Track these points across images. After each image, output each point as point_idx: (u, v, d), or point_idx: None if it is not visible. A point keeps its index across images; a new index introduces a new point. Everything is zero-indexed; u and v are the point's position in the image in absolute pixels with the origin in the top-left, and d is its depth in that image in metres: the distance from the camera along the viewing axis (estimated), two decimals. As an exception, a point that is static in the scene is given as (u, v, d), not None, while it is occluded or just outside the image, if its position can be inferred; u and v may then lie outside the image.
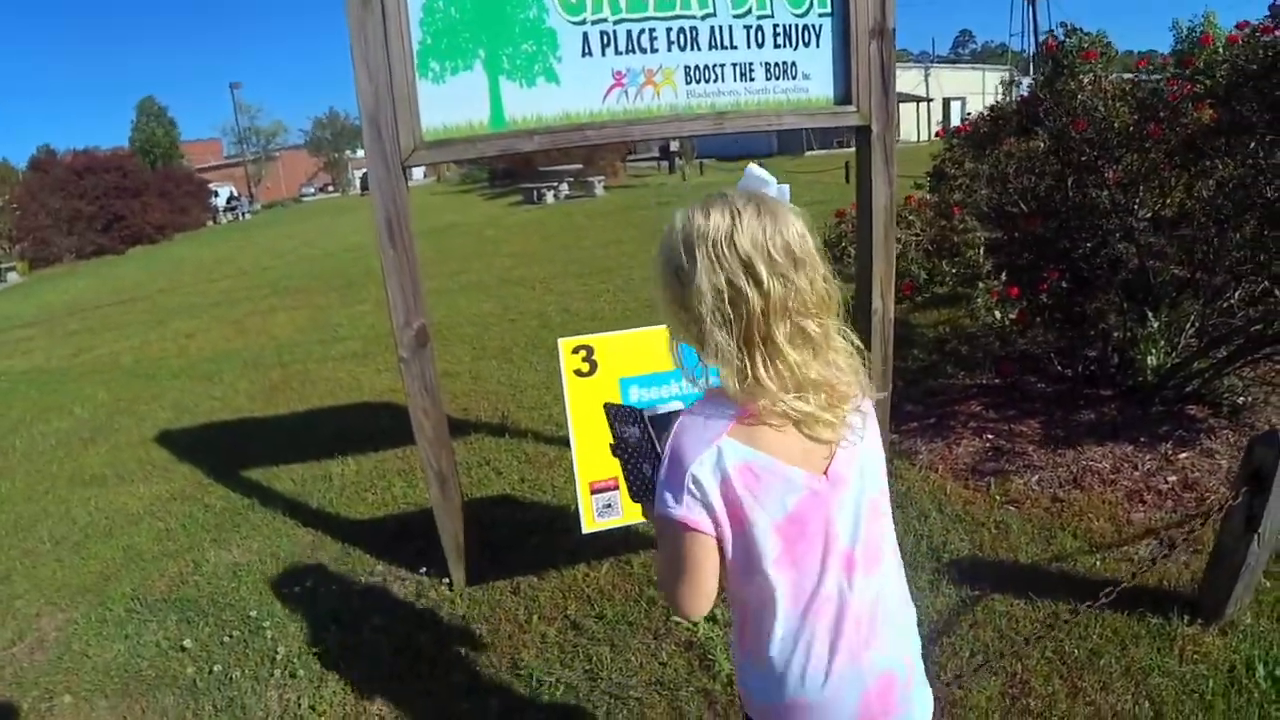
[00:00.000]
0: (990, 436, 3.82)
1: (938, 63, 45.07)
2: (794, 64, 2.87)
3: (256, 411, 6.18)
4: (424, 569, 3.38)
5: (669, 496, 1.09)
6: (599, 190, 19.73)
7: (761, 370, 1.05)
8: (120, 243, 27.89)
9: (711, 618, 2.70)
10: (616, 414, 1.42)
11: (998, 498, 3.34)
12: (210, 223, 37.09)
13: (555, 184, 20.54)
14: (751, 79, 2.84)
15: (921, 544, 3.08)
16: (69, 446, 5.91)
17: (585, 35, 2.66)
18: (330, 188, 56.53)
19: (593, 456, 2.62)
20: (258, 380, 7.09)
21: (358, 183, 51.81)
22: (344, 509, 4.17)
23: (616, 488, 2.61)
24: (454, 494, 3.14)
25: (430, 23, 2.54)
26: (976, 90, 36.52)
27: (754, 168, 1.19)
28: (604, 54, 2.68)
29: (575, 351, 2.63)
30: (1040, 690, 2.29)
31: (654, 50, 2.71)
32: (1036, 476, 3.45)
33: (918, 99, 35.37)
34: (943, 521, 3.22)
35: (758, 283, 1.02)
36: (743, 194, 1.09)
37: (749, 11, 2.80)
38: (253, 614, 3.24)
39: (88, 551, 4.06)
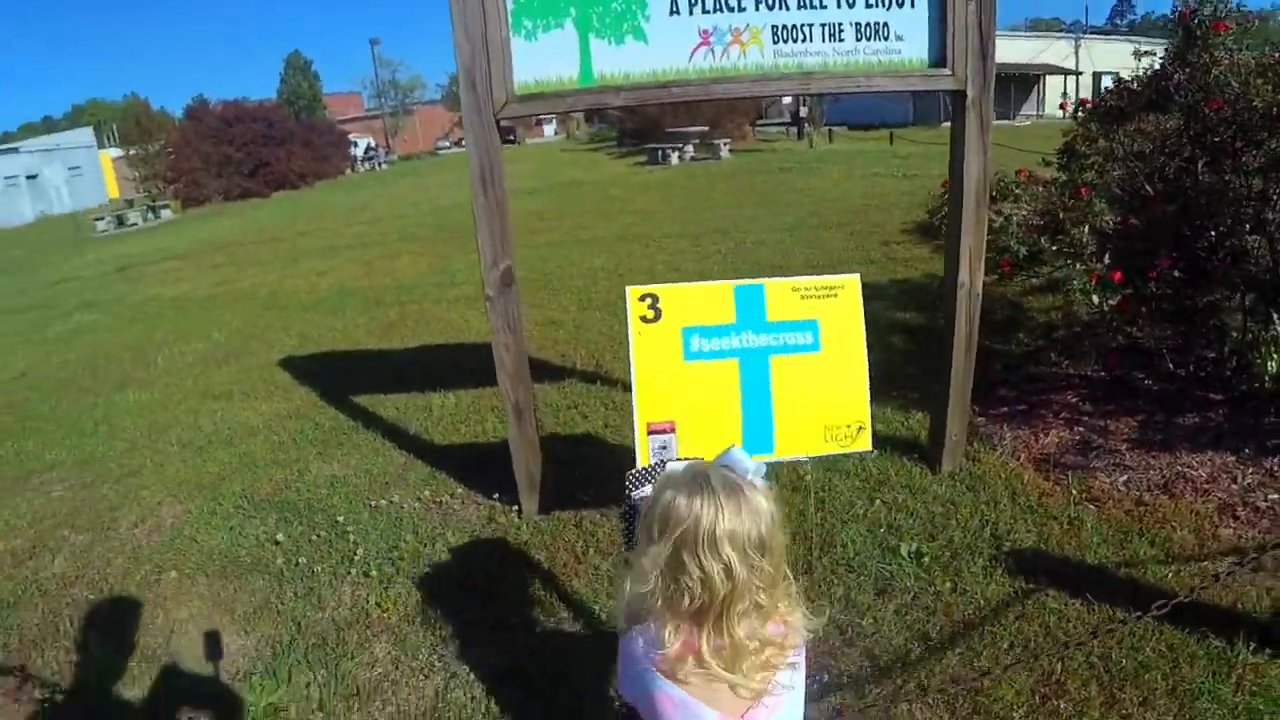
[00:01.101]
0: (1082, 430, 3.69)
1: (1091, 33, 41.28)
2: (886, 24, 2.86)
3: (372, 345, 6.79)
4: (498, 496, 3.71)
5: (623, 686, 1.38)
6: (724, 153, 19.63)
7: (704, 645, 1.23)
8: (265, 187, 30.39)
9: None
10: (635, 478, 1.63)
11: (1077, 493, 3.25)
12: (349, 171, 39.64)
13: (680, 145, 20.61)
14: (840, 39, 2.85)
15: (985, 530, 3.07)
16: (204, 365, 6.73)
17: None
18: (463, 143, 58.79)
19: (652, 399, 2.79)
20: (377, 317, 7.74)
21: (493, 137, 53.45)
22: (438, 437, 4.58)
23: (673, 431, 2.78)
24: (530, 428, 3.42)
25: None
26: (1132, 65, 33.11)
27: (737, 453, 1.35)
28: (691, 13, 2.79)
29: (642, 299, 2.79)
30: (1074, 694, 2.26)
31: (742, 9, 2.79)
32: (1125, 477, 3.32)
33: (1065, 72, 32.61)
34: (1013, 510, 3.19)
35: (730, 575, 1.19)
36: (723, 481, 1.23)
37: None
38: (340, 519, 3.68)
39: (208, 456, 4.68)
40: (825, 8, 2.84)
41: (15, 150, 40.76)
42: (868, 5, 2.85)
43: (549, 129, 60.68)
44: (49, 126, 62.69)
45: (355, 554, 3.38)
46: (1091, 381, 4.12)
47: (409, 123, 61.51)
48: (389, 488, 3.99)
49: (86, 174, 41.83)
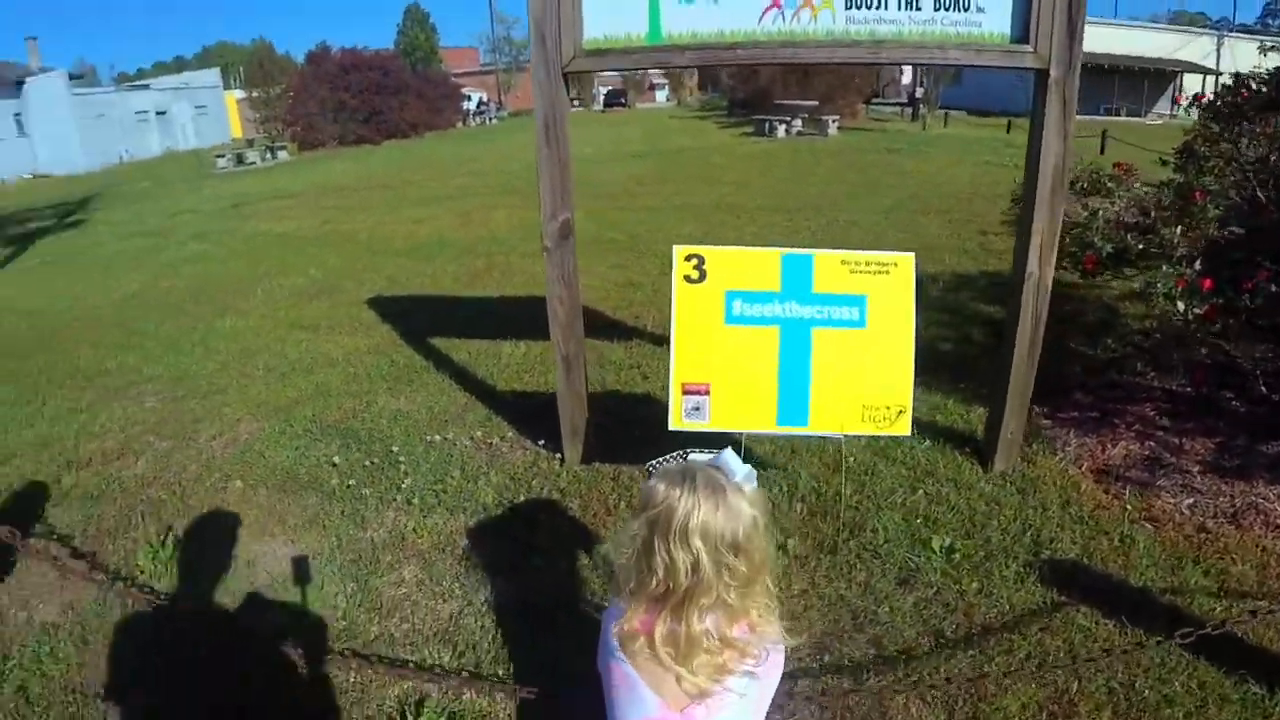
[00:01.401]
0: (1153, 445, 3.48)
1: (1237, 32, 37.48)
2: None
3: (457, 291, 7.07)
4: (543, 443, 3.84)
5: (598, 654, 1.40)
6: (832, 129, 19.16)
7: (658, 630, 1.27)
8: (377, 134, 31.62)
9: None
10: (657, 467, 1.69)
11: (1134, 510, 3.07)
12: (460, 124, 40.77)
13: (789, 119, 20.26)
14: (918, 8, 2.73)
15: (1026, 534, 2.94)
16: (298, 299, 7.16)
17: None
18: (576, 102, 59.39)
19: (690, 359, 2.84)
20: (466, 265, 8.02)
21: (601, 100, 54.01)
22: (501, 383, 4.76)
23: (708, 394, 2.81)
24: (577, 380, 3.51)
25: None
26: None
27: (728, 456, 1.34)
28: None
29: (688, 259, 2.83)
30: (1085, 717, 2.16)
31: None
32: (1190, 500, 3.11)
33: (1204, 70, 29.89)
34: (1060, 518, 3.04)
35: (696, 569, 1.22)
36: (707, 478, 1.26)
37: None
38: (395, 450, 3.89)
39: (289, 381, 5.01)
40: None
41: (146, 87, 43.87)
42: None
43: (660, 94, 60.44)
44: (180, 66, 66.86)
45: (403, 483, 3.58)
46: (1174, 396, 3.87)
47: (522, 79, 62.31)
48: (446, 425, 4.18)
49: (212, 113, 44.54)
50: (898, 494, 3.21)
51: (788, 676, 2.26)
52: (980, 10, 2.75)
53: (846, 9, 2.75)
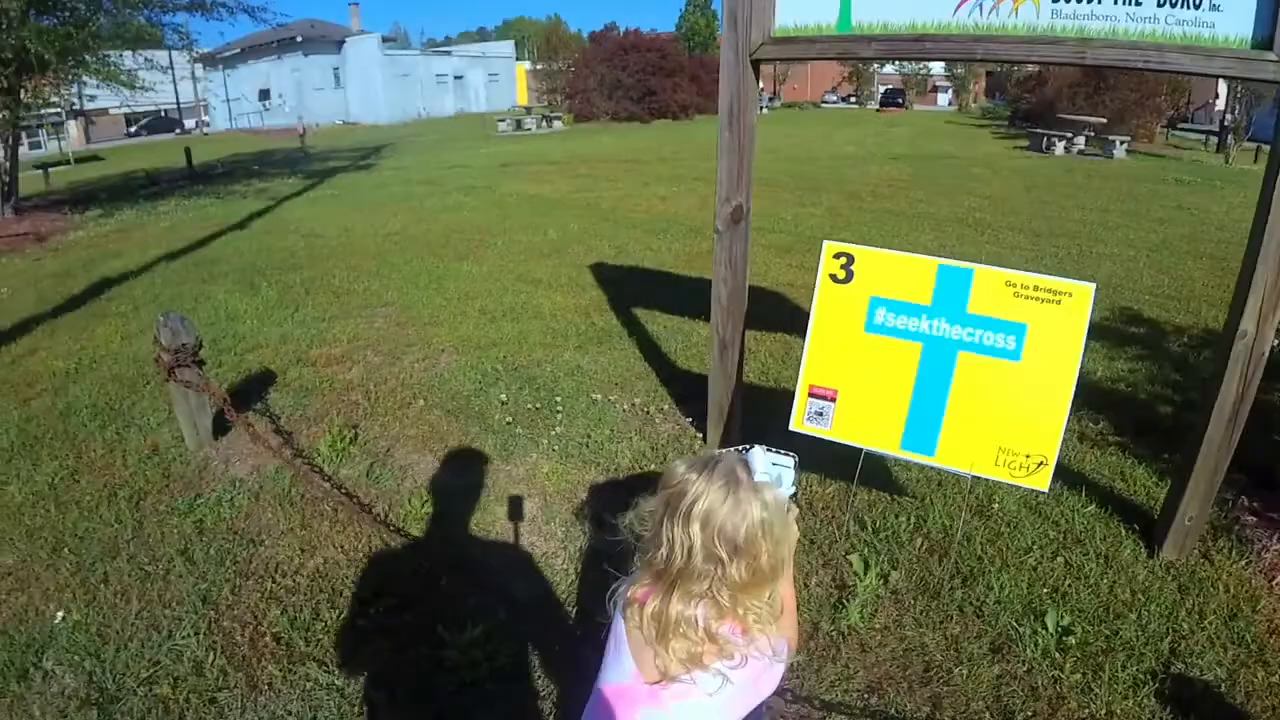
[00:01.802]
0: None
1: None
2: None
3: (675, 269, 7.31)
4: (691, 420, 3.94)
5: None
6: (1119, 152, 16.84)
7: (650, 604, 1.30)
8: (648, 114, 33.14)
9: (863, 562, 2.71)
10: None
11: None
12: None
13: (1070, 135, 18.16)
14: (1138, 3, 2.34)
15: (1165, 638, 2.46)
16: (530, 255, 7.83)
17: None
18: (852, 99, 57.95)
19: (822, 361, 2.72)
20: (690, 246, 8.24)
21: (878, 98, 52.20)
22: (680, 360, 4.89)
23: (834, 400, 2.70)
24: (731, 364, 3.53)
25: None
26: None
27: (758, 452, 1.38)
28: None
29: (836, 257, 2.70)
30: None
31: None
32: None
33: None
34: (1216, 631, 2.49)
35: (689, 553, 1.24)
36: (727, 470, 1.28)
37: None
38: (558, 400, 4.20)
39: (495, 325, 5.55)
40: None
41: (448, 53, 50.06)
42: None
43: (943, 98, 56.97)
44: (482, 36, 74.68)
45: (554, 429, 3.87)
46: None
47: (800, 71, 61.84)
48: (614, 388, 4.41)
49: (503, 81, 49.62)
50: (1033, 554, 2.84)
51: (818, 697, 2.20)
52: (1215, 8, 2.29)
53: (1053, 2, 2.43)
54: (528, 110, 33.14)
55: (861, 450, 2.68)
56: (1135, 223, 9.37)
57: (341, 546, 2.90)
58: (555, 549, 2.94)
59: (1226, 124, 20.95)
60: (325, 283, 6.72)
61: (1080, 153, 17.82)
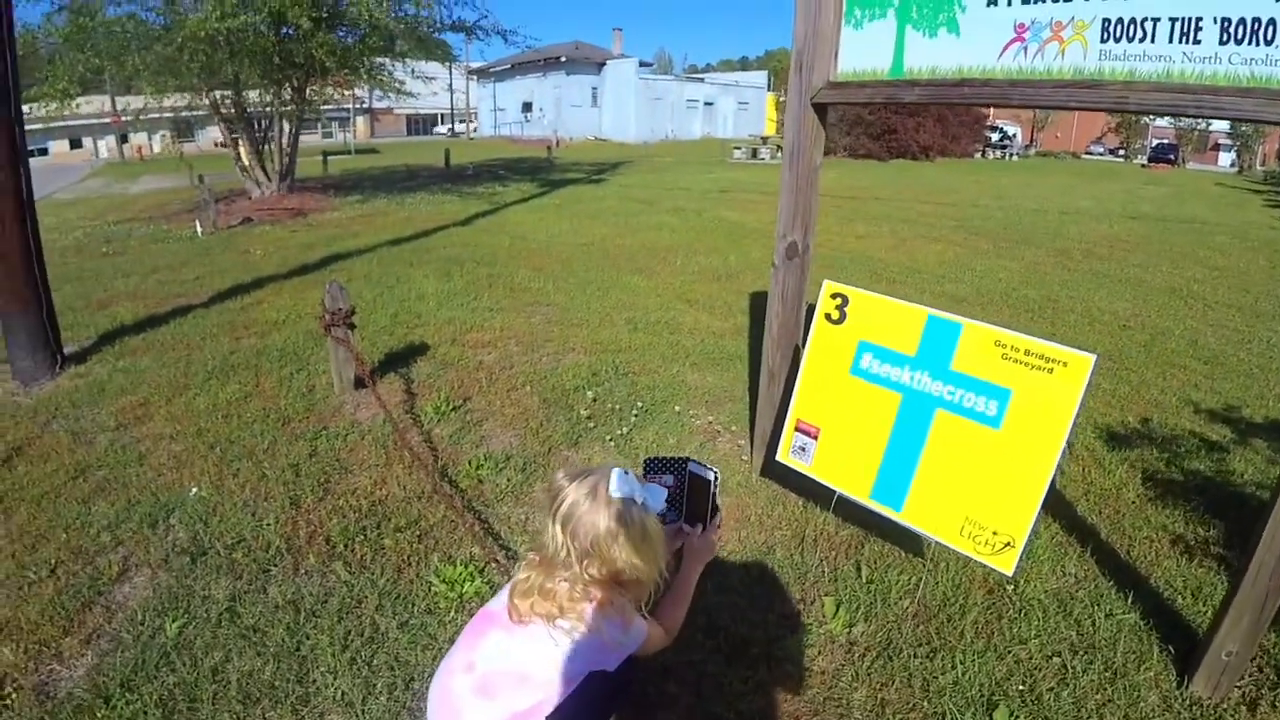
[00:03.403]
0: None
1: None
2: (1272, 22, 2.01)
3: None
4: (743, 444, 4.10)
5: None
6: None
7: (529, 570, 1.73)
8: (885, 152, 32.32)
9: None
10: (653, 465, 1.95)
11: None
12: (978, 155, 39.26)
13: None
14: (1197, 40, 2.12)
15: None
16: (701, 276, 8.15)
17: None
18: (1120, 152, 52.30)
19: (810, 398, 2.79)
20: (863, 285, 8.14)
21: (1149, 152, 46.65)
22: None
23: (816, 437, 2.78)
24: (777, 393, 3.67)
25: None
26: None
27: (618, 478, 1.64)
28: (1010, 4, 2.42)
29: (833, 297, 2.75)
30: None
31: (1068, 0, 2.32)
32: None
33: None
34: None
35: (556, 545, 1.63)
36: (593, 483, 1.64)
37: None
38: (640, 405, 4.53)
39: (633, 335, 5.95)
40: None
41: (701, 80, 51.88)
42: None
43: (1225, 156, 49.45)
44: (743, 65, 76.24)
45: (622, 430, 4.21)
46: None
47: (1066, 119, 56.92)
48: (702, 405, 4.64)
49: (752, 109, 50.65)
50: (1028, 647, 2.62)
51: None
52: None
53: (1102, 41, 2.28)
54: (764, 140, 33.67)
55: (835, 492, 2.75)
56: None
57: (404, 486, 3.48)
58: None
59: None
60: (508, 279, 7.59)
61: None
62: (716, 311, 6.76)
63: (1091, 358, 2.28)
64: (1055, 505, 2.90)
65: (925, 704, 2.38)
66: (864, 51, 2.90)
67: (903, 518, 2.57)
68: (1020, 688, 2.46)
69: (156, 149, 34.42)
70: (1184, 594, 2.98)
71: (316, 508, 3.30)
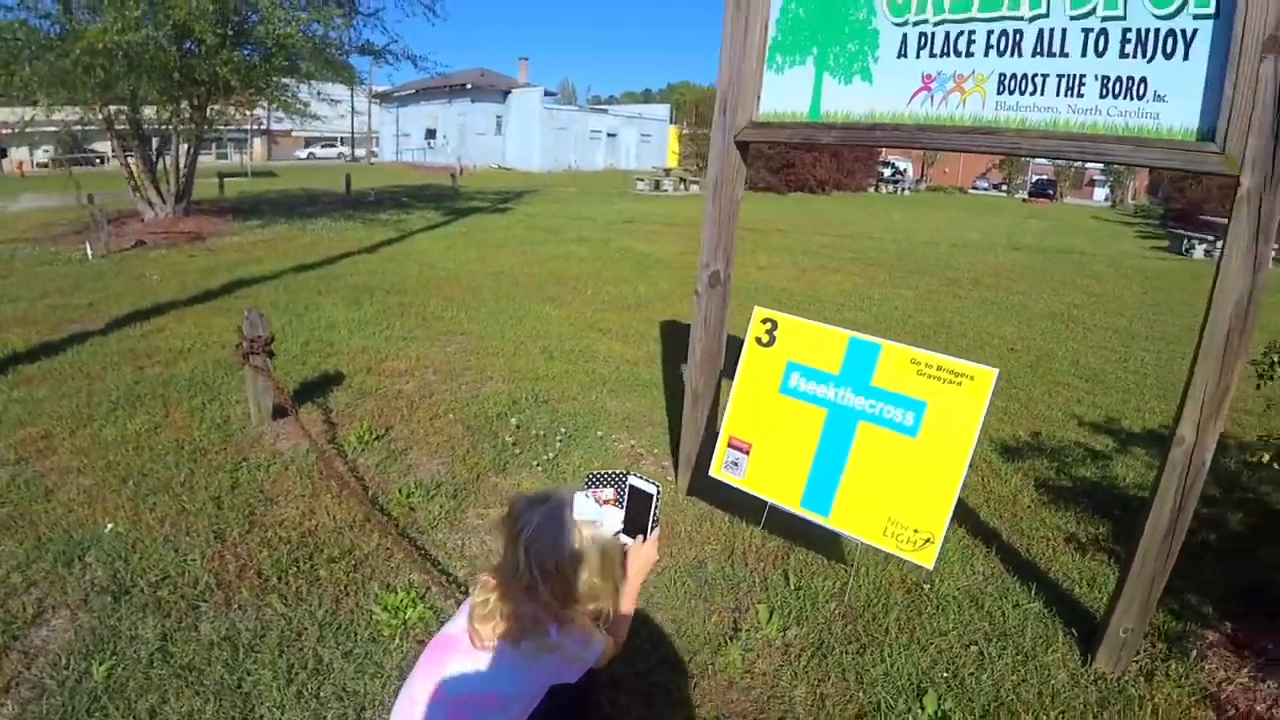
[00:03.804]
0: None
1: None
2: (1143, 80, 2.38)
3: (739, 332, 7.53)
4: (668, 464, 4.26)
5: None
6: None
7: (486, 593, 1.72)
8: (784, 185, 33.81)
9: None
10: (593, 480, 2.07)
11: None
12: (872, 189, 41.57)
13: (1213, 238, 17.17)
14: (1080, 94, 2.48)
15: None
16: (611, 306, 8.38)
17: (904, 36, 2.79)
18: (1003, 187, 56.53)
19: (742, 415, 3.00)
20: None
21: (1030, 187, 50.72)
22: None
23: (748, 452, 2.98)
24: (701, 415, 3.87)
25: (783, 21, 3.11)
26: None
27: (581, 501, 1.71)
28: (918, 56, 2.75)
29: (764, 322, 2.99)
30: None
31: (970, 54, 2.65)
32: None
33: None
34: None
35: (518, 569, 1.65)
36: (553, 508, 1.68)
37: (1092, 11, 2.42)
38: (564, 431, 4.64)
39: (549, 363, 6.09)
40: (1067, 55, 2.49)
41: (605, 111, 53.04)
42: (1122, 54, 2.40)
43: (1100, 192, 54.40)
44: (646, 98, 78.34)
45: (547, 456, 4.30)
46: None
47: (951, 156, 60.97)
48: (624, 430, 4.80)
49: (654, 142, 52.07)
50: (948, 638, 2.89)
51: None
52: (1160, 98, 2.37)
53: (998, 93, 2.62)
54: (667, 172, 34.64)
55: (767, 503, 2.95)
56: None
57: (334, 516, 3.45)
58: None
59: None
60: (419, 308, 7.55)
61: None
62: (629, 340, 6.95)
63: (994, 371, 2.60)
64: (960, 512, 3.19)
65: (860, 695, 2.59)
66: (784, 95, 3.17)
67: (831, 523, 2.79)
68: (944, 674, 2.71)
69: (39, 163, 32.06)
70: (1081, 584, 3.34)
71: (244, 540, 3.22)
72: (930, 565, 2.65)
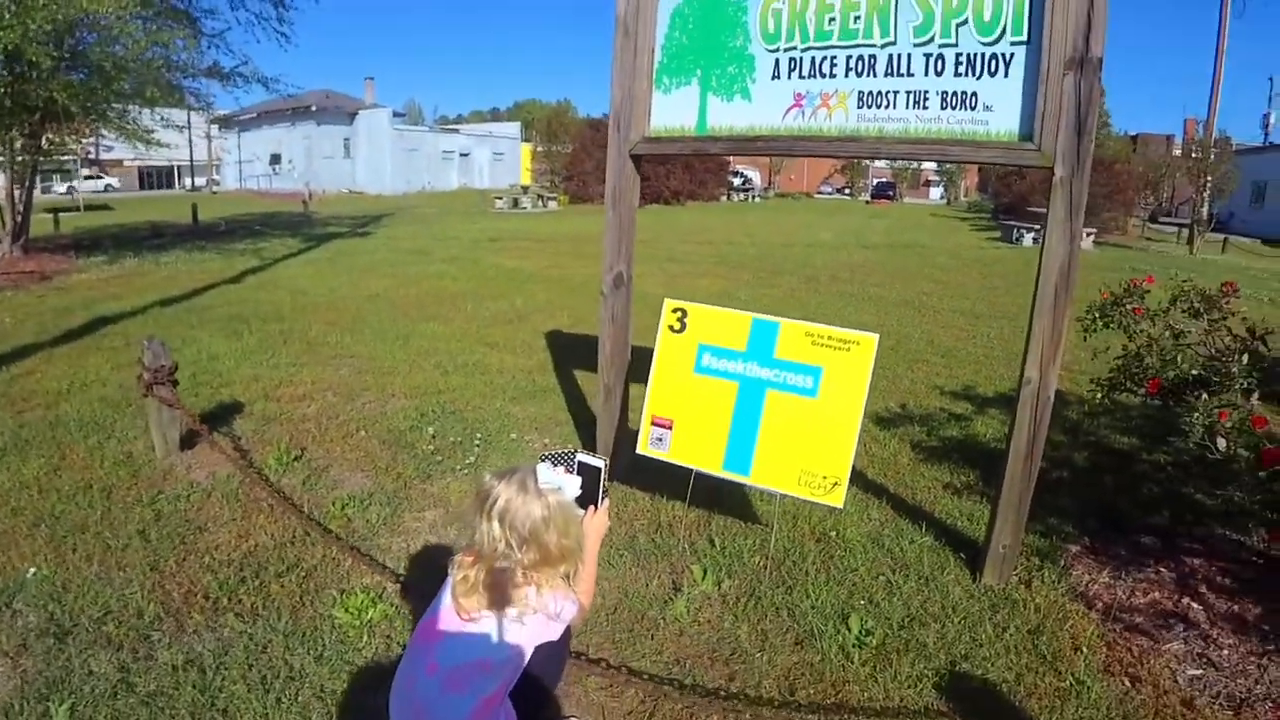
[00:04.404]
0: (1190, 603, 3.20)
1: None
2: (974, 94, 2.94)
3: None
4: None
5: None
6: (1086, 243, 17.99)
7: (465, 570, 1.95)
8: (641, 199, 34.67)
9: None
10: (545, 459, 2.14)
11: (1116, 661, 2.86)
12: (724, 199, 43.45)
13: (1039, 227, 19.45)
14: (924, 107, 3.02)
15: (960, 643, 2.89)
16: (494, 321, 8.59)
17: (777, 61, 3.28)
18: (846, 190, 60.50)
19: (662, 396, 3.35)
20: (646, 320, 8.92)
21: (872, 189, 54.60)
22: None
23: (671, 428, 3.34)
24: (615, 407, 4.18)
25: (668, 47, 3.54)
26: None
27: (543, 469, 1.93)
28: (789, 77, 3.24)
29: (674, 311, 3.39)
30: None
31: (832, 76, 3.15)
32: (1197, 671, 2.83)
33: None
34: (1016, 642, 2.90)
35: (493, 540, 1.86)
36: (521, 480, 1.90)
37: (931, 40, 2.97)
38: (479, 437, 4.83)
39: (445, 377, 6.20)
40: (912, 75, 3.03)
41: (456, 131, 52.78)
42: (957, 74, 2.96)
43: (935, 191, 59.47)
44: (494, 116, 78.24)
45: (468, 459, 4.47)
46: (1252, 553, 3.62)
47: (798, 164, 64.53)
48: (533, 431, 5.04)
49: (507, 160, 52.20)
50: (859, 573, 3.35)
51: (626, 665, 2.76)
52: (988, 109, 2.94)
53: (859, 108, 3.13)
54: (524, 189, 34.85)
55: (692, 471, 3.31)
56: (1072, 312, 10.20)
57: (272, 535, 3.49)
58: (435, 542, 3.55)
59: (1196, 217, 22.34)
60: (302, 334, 7.44)
61: (1046, 248, 18.99)
62: (518, 351, 7.19)
63: (875, 337, 3.13)
64: (852, 476, 3.62)
65: (795, 626, 3.00)
66: (673, 112, 3.59)
67: (752, 480, 3.19)
68: (862, 601, 3.18)
69: None
70: (961, 519, 3.95)
71: (181, 568, 3.21)
72: (840, 504, 3.11)
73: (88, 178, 39.53)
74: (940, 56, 3.00)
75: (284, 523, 3.58)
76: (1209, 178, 23.89)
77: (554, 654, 2.16)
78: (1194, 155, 25.67)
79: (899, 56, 3.07)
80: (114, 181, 43.43)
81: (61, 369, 5.94)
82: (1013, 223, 21.15)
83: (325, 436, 4.76)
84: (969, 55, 2.96)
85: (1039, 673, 2.77)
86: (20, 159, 11.69)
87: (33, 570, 3.13)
